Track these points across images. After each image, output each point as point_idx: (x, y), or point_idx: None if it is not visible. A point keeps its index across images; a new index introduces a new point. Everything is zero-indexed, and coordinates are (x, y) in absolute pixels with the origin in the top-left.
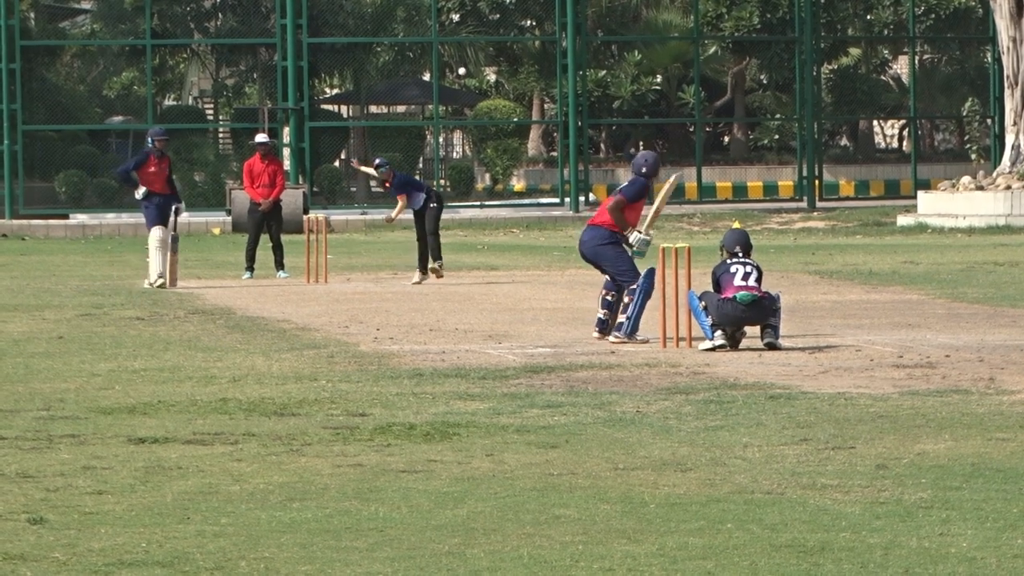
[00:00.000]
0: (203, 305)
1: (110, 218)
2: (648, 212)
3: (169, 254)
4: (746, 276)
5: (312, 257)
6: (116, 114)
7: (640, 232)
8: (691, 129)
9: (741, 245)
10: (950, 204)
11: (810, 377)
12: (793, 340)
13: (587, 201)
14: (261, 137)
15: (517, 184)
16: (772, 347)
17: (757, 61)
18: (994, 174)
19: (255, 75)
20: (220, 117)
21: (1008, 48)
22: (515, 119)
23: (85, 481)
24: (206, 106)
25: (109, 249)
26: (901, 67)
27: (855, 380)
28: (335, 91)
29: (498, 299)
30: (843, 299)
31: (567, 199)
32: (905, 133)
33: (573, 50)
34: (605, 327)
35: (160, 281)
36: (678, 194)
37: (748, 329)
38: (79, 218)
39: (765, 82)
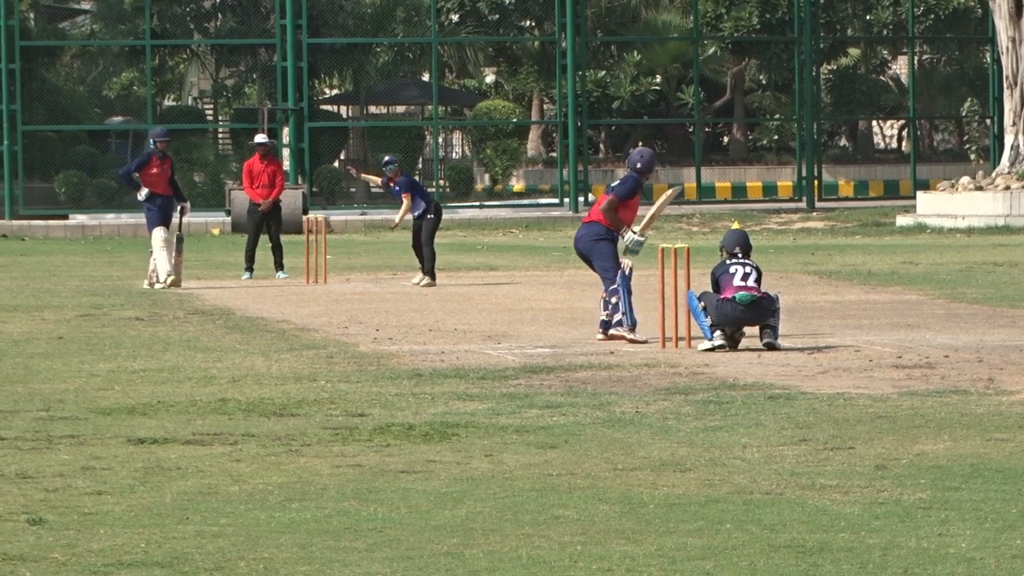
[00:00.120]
0: (202, 305)
1: (110, 218)
2: (645, 214)
3: (174, 255)
4: (745, 277)
5: (311, 257)
6: (116, 114)
7: (634, 233)
8: (690, 129)
9: (741, 246)
10: (949, 204)
11: (809, 377)
12: (792, 340)
13: (587, 201)
14: (260, 137)
15: (516, 184)
16: (771, 347)
17: (756, 61)
18: (993, 174)
19: (255, 75)
20: (220, 117)
21: (1007, 48)
22: (514, 119)
23: (84, 482)
24: (206, 106)
25: (109, 250)
26: (900, 67)
27: (854, 380)
28: (335, 91)
29: (497, 299)
30: (842, 299)
31: (566, 199)
32: (904, 133)
33: (572, 50)
34: (609, 328)
35: (171, 280)
36: (677, 194)
37: (747, 329)
38: (79, 219)
39: (764, 82)
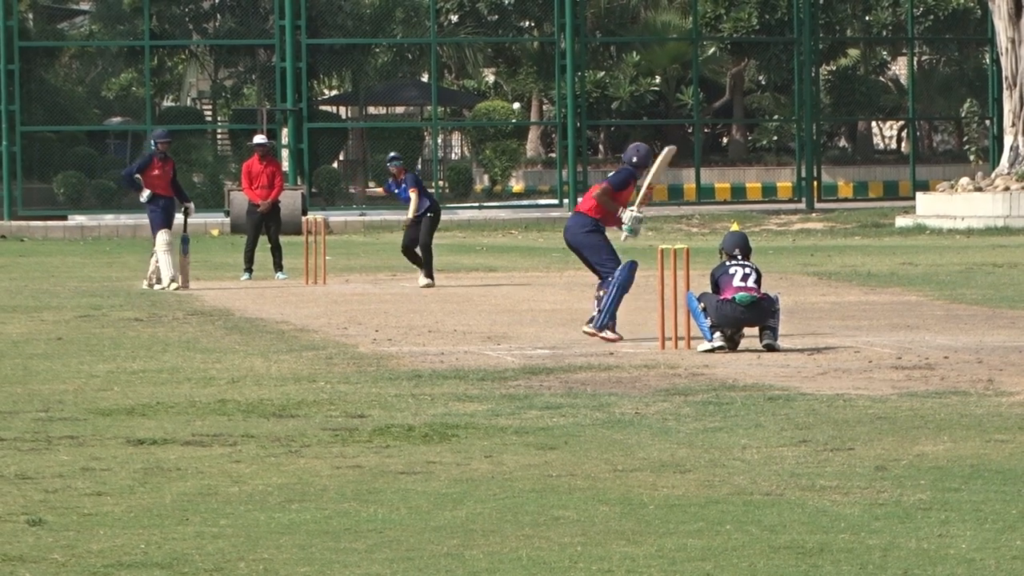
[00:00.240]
0: (202, 306)
1: (108, 219)
2: (642, 184)
3: (180, 256)
4: (745, 277)
5: (311, 258)
6: (115, 115)
7: (632, 209)
8: (690, 130)
9: (740, 248)
10: (949, 205)
11: (809, 378)
12: (792, 341)
13: None
14: (259, 138)
15: (516, 185)
16: (771, 349)
17: (756, 62)
18: (992, 175)
19: (254, 76)
20: (218, 118)
21: (1007, 49)
22: (514, 120)
23: (84, 482)
24: (204, 107)
25: (108, 250)
26: (900, 68)
27: (854, 381)
28: (334, 92)
29: (497, 300)
30: (841, 300)
31: (566, 200)
32: (904, 134)
33: (572, 51)
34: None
35: (174, 285)
36: (676, 195)
37: (747, 331)
38: (77, 219)
39: (764, 83)
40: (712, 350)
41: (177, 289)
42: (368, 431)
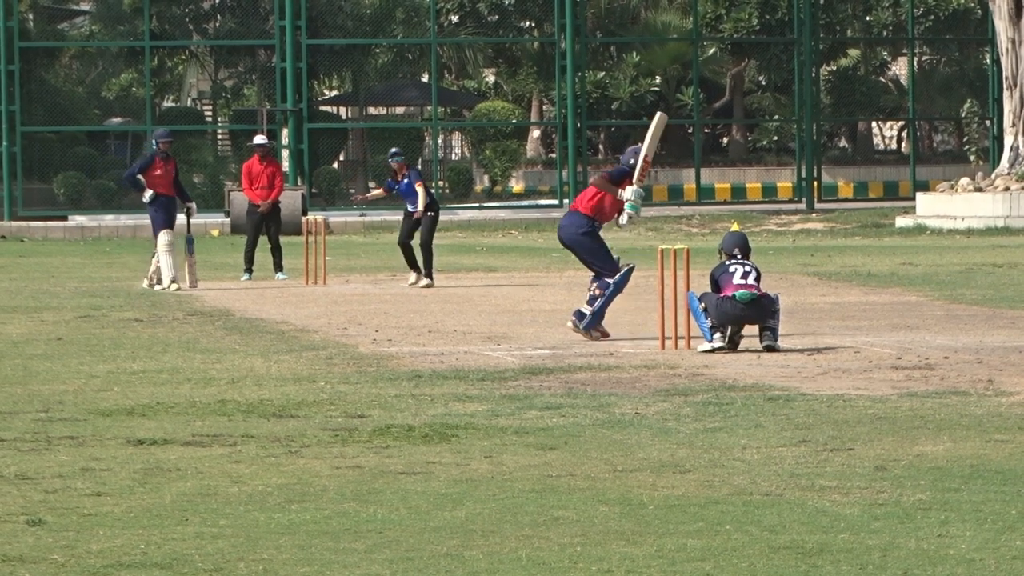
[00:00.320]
0: (202, 307)
1: (109, 220)
2: (639, 156)
3: (186, 256)
4: (745, 275)
5: (311, 259)
6: (115, 115)
7: (632, 186)
8: (690, 130)
9: (740, 247)
10: (949, 206)
11: (809, 379)
12: (792, 342)
13: None
14: (260, 139)
15: (516, 185)
16: (771, 349)
17: (756, 62)
18: (993, 175)
19: (254, 76)
20: (219, 119)
21: (1007, 50)
22: (514, 120)
23: (84, 483)
24: (205, 108)
25: (108, 251)
26: (900, 68)
27: (854, 382)
28: (334, 93)
29: (497, 301)
30: (842, 301)
31: (566, 200)
32: (904, 134)
33: (572, 51)
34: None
35: (175, 286)
36: (676, 195)
37: (747, 331)
38: (78, 220)
39: (764, 83)
40: (712, 351)
41: (178, 290)
42: (368, 431)
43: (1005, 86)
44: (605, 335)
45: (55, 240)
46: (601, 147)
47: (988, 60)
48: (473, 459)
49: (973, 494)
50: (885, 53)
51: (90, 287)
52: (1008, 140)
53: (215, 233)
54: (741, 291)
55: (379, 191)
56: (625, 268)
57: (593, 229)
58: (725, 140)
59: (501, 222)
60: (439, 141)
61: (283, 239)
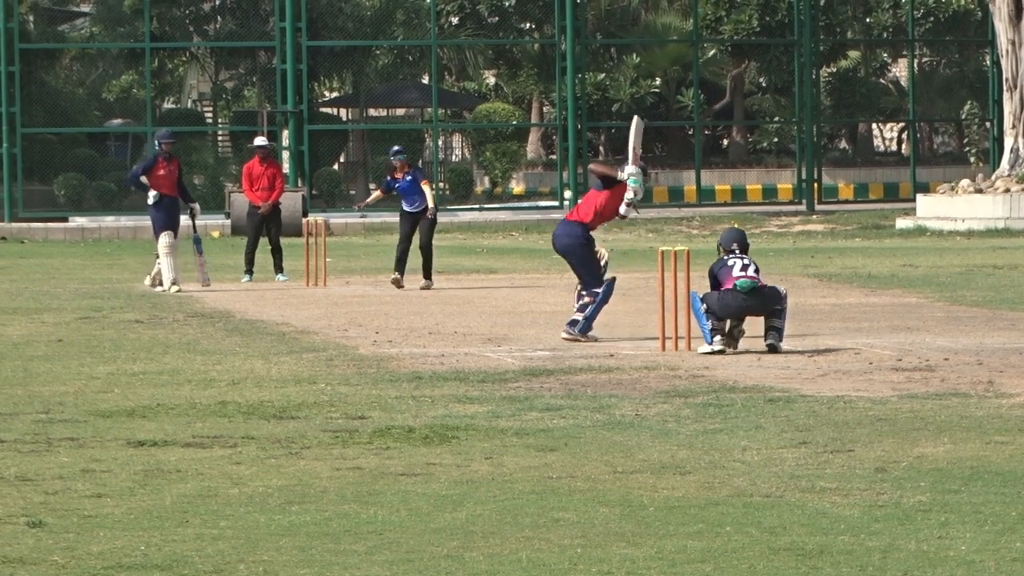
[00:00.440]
0: (202, 308)
1: (109, 221)
2: (628, 150)
3: (196, 256)
4: (744, 268)
5: (311, 260)
6: (115, 117)
7: (628, 165)
8: (690, 132)
9: (738, 243)
10: (949, 207)
11: (809, 380)
12: (792, 343)
13: None
14: (260, 140)
15: (516, 187)
16: (773, 349)
17: (756, 64)
18: (993, 177)
19: (254, 78)
20: (219, 120)
21: (1007, 51)
22: (514, 122)
23: (84, 484)
24: (205, 109)
25: (108, 252)
26: (900, 70)
27: (854, 383)
28: (334, 94)
29: (497, 302)
30: (842, 302)
31: (566, 202)
32: (904, 136)
33: (572, 53)
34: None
35: (176, 288)
36: (677, 197)
37: (748, 331)
38: (78, 221)
39: (764, 85)
40: (711, 352)
41: (178, 292)
42: (368, 433)
43: (1005, 88)
44: (594, 340)
45: (55, 241)
46: (601, 149)
47: (988, 62)
48: (473, 460)
49: (973, 496)
50: (885, 55)
51: (90, 288)
52: (1008, 142)
53: (216, 235)
54: (741, 280)
55: (377, 193)
56: (607, 281)
57: (588, 240)
58: (725, 142)
59: (501, 224)
60: (439, 143)
61: (283, 241)
